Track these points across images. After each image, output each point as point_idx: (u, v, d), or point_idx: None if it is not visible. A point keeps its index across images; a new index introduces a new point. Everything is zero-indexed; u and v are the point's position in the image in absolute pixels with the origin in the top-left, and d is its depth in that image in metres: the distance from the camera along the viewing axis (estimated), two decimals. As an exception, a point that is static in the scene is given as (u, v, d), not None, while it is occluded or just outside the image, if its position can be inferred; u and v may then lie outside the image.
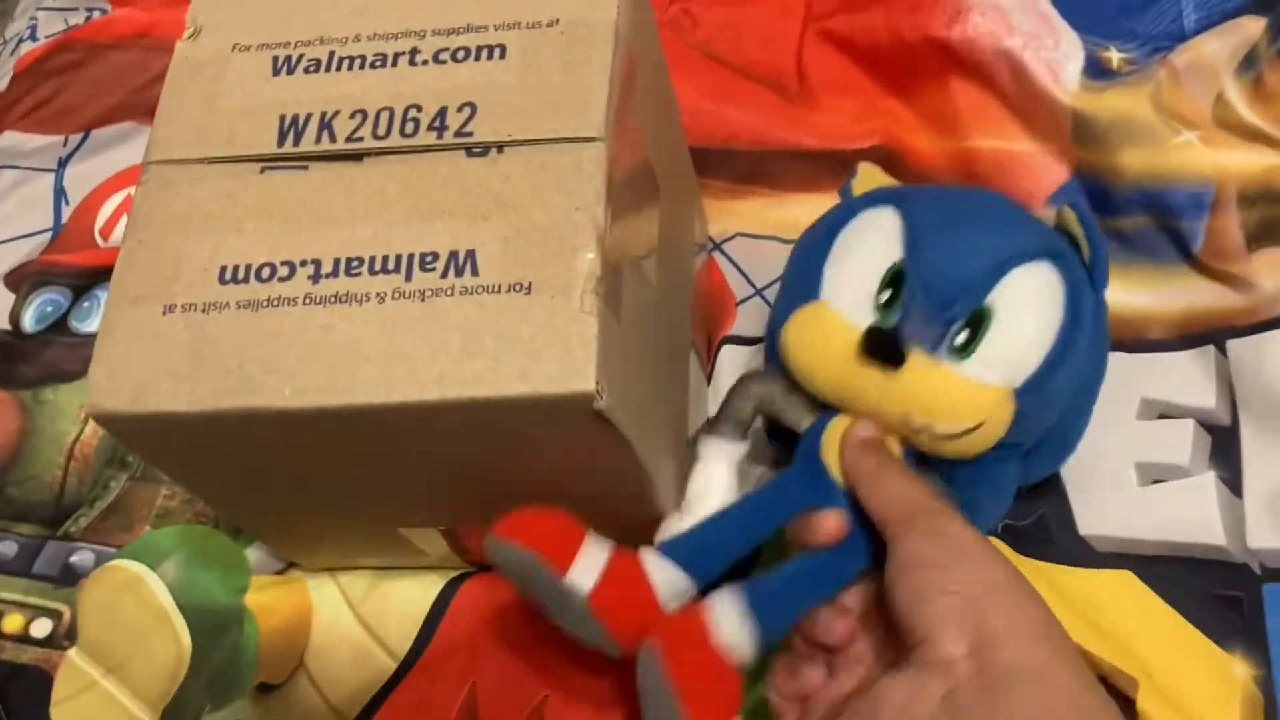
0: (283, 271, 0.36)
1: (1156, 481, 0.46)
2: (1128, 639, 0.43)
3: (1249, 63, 0.54)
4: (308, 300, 0.35)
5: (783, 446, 0.42)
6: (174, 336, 0.35)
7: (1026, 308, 0.39)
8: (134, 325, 0.36)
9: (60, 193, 0.66)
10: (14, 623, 0.52)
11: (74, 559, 0.54)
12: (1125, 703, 0.42)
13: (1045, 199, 0.54)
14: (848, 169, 0.45)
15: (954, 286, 0.38)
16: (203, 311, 0.36)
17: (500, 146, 0.37)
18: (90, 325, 0.61)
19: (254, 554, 0.51)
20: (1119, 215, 0.52)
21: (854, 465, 0.38)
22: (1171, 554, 0.45)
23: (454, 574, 0.50)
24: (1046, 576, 0.44)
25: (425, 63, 0.39)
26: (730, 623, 0.36)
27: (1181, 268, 0.51)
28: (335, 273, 0.36)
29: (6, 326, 0.62)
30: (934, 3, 0.57)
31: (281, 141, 0.38)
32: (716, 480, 0.41)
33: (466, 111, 0.37)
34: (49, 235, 0.65)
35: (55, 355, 0.60)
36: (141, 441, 0.39)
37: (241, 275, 0.36)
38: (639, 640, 0.37)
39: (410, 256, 0.35)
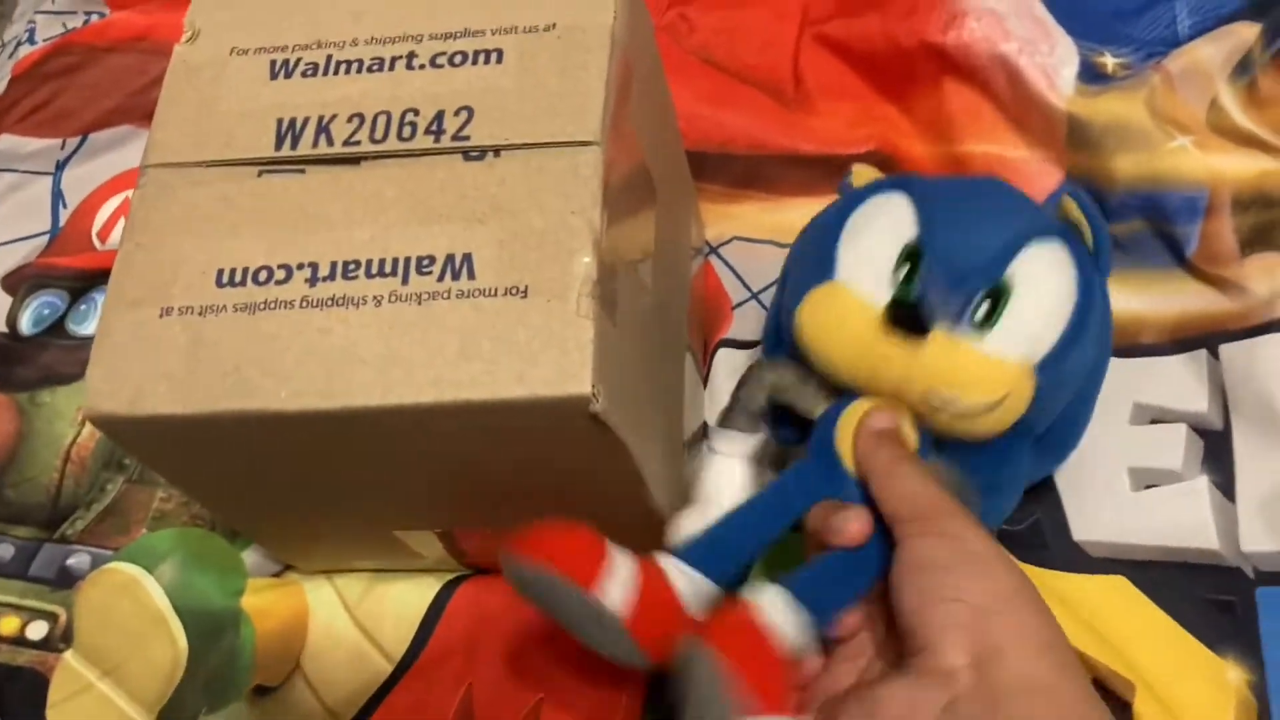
0: (280, 274, 0.36)
1: (1149, 486, 0.46)
2: (1122, 645, 0.43)
3: (1243, 68, 0.54)
4: (305, 303, 0.35)
5: (794, 437, 0.42)
6: (171, 339, 0.36)
7: (1044, 283, 0.39)
8: (131, 328, 0.36)
9: (58, 195, 0.66)
10: (10, 625, 0.52)
11: (70, 561, 0.54)
12: (1121, 706, 0.42)
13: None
14: (843, 173, 0.45)
15: (973, 258, 0.38)
16: (200, 314, 0.36)
17: (497, 150, 0.37)
18: (87, 328, 0.61)
19: (250, 557, 0.52)
20: (1113, 220, 0.52)
21: (867, 457, 0.37)
22: (1165, 559, 0.45)
23: (450, 577, 0.50)
24: (1041, 582, 0.43)
25: (422, 67, 0.39)
26: (779, 613, 0.35)
27: (1175, 272, 0.51)
28: (332, 276, 0.36)
29: (4, 329, 0.62)
30: (930, 8, 0.58)
31: (279, 145, 0.38)
32: (732, 474, 0.40)
33: (463, 115, 0.38)
34: (46, 238, 0.65)
35: (52, 358, 0.60)
36: (138, 444, 0.39)
37: (239, 278, 0.36)
38: (666, 649, 0.35)
39: (407, 260, 0.36)
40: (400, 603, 0.49)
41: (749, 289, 0.56)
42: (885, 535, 0.36)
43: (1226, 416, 0.47)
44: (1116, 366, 0.45)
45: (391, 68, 0.39)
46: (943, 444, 0.39)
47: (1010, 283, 0.38)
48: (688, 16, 0.65)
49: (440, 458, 0.38)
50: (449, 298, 0.35)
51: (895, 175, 0.44)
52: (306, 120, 0.38)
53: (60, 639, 0.51)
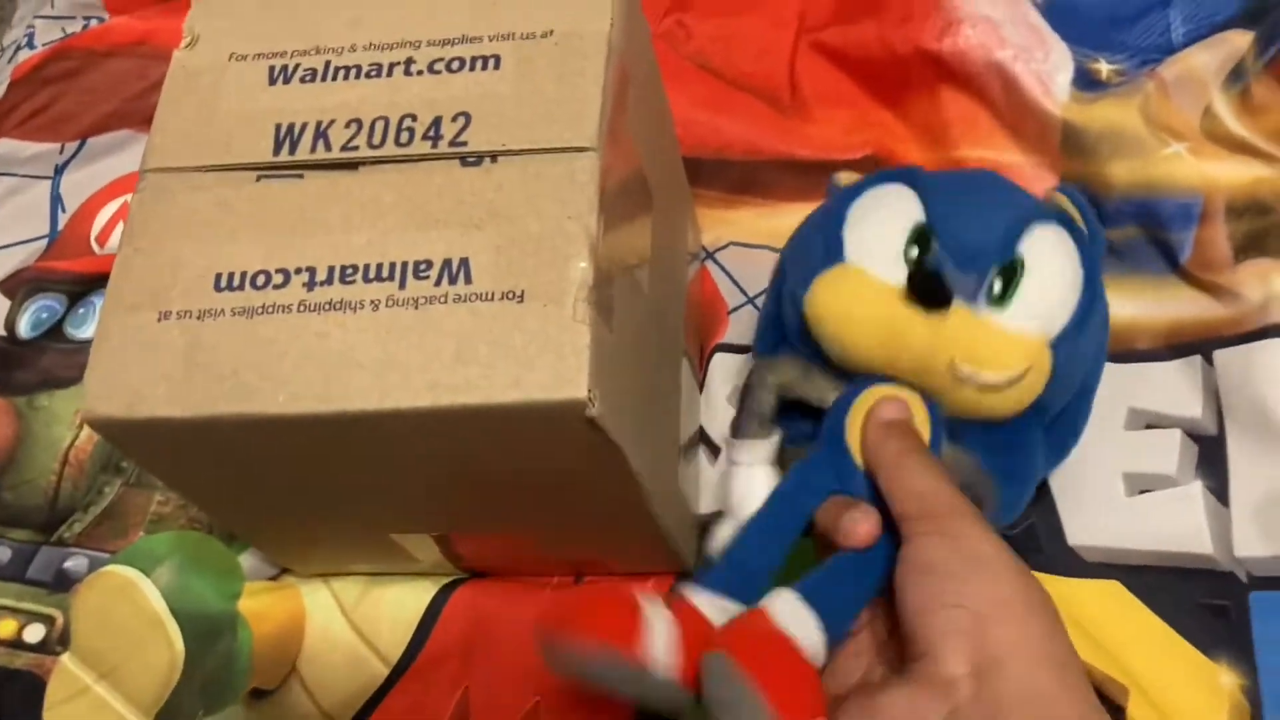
0: (278, 279, 0.36)
1: (1144, 491, 0.46)
2: (1116, 649, 0.43)
3: (1236, 75, 0.54)
4: (302, 307, 0.35)
5: (808, 432, 0.41)
6: (169, 343, 0.36)
7: (1054, 260, 0.39)
8: (129, 332, 0.36)
9: (57, 200, 0.67)
10: (7, 628, 0.52)
11: (68, 564, 0.54)
12: (1115, 710, 0.42)
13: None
14: (838, 179, 0.45)
15: (984, 236, 0.39)
16: (198, 318, 0.36)
17: (494, 156, 0.37)
18: (86, 332, 0.61)
19: (247, 560, 0.52)
20: (1107, 226, 0.52)
21: (875, 449, 0.37)
22: (1159, 564, 0.45)
23: (446, 580, 0.50)
24: (1036, 585, 0.45)
25: (420, 73, 0.39)
26: (795, 618, 0.34)
27: (1169, 278, 0.51)
28: (330, 280, 0.36)
29: (2, 333, 0.62)
30: (925, 15, 0.58)
31: (277, 150, 0.38)
32: (757, 481, 0.40)
33: (461, 121, 0.38)
34: (45, 242, 0.65)
35: (51, 361, 0.60)
36: (136, 447, 0.39)
37: (237, 282, 0.36)
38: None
39: (404, 265, 0.36)
40: (397, 606, 0.49)
41: (745, 294, 0.56)
42: (894, 532, 0.35)
43: (1221, 422, 0.47)
44: (1111, 371, 0.45)
45: (390, 74, 0.39)
46: (957, 433, 0.39)
47: (1022, 259, 0.39)
48: (685, 23, 0.65)
49: (437, 462, 0.38)
50: (446, 302, 0.35)
51: (893, 169, 0.44)
52: (305, 126, 0.38)
53: (57, 642, 0.51)
